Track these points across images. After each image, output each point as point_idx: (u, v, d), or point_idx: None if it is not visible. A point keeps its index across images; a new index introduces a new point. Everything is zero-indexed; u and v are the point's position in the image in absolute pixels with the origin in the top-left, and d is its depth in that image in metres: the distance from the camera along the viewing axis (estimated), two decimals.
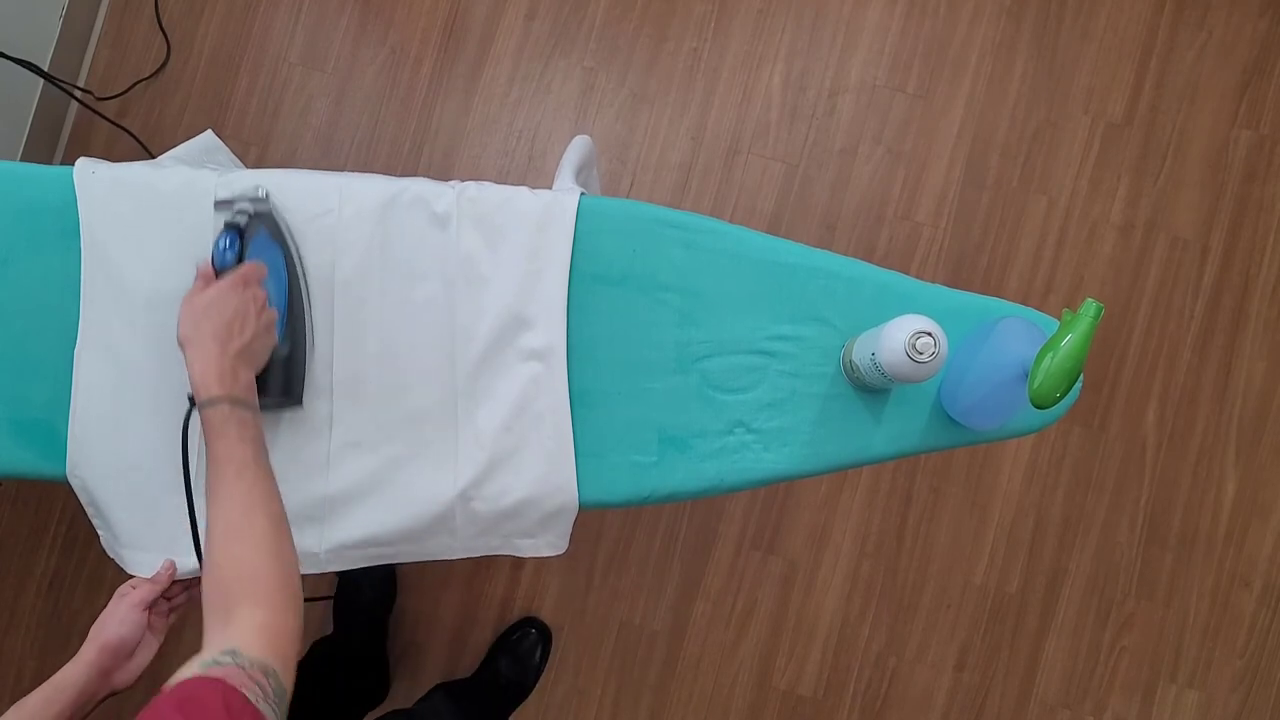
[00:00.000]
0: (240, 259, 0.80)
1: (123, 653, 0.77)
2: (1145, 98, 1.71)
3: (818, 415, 0.89)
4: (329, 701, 1.29)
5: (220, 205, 0.85)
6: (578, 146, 1.08)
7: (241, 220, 0.81)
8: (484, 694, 1.51)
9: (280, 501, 0.69)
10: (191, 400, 0.72)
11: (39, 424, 0.85)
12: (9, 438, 0.85)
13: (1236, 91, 1.71)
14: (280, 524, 0.67)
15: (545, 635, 1.59)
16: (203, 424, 0.69)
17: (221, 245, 0.79)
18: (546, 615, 1.62)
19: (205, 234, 0.85)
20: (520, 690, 1.56)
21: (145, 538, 0.86)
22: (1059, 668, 1.65)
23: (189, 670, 0.53)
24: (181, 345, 0.73)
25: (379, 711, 1.32)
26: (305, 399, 0.86)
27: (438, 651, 1.61)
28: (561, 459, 0.87)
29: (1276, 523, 1.66)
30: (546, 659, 1.59)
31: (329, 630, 1.56)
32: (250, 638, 0.57)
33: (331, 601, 1.57)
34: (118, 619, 0.77)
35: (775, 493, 1.65)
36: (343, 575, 1.57)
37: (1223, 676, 1.65)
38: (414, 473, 0.87)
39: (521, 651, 1.56)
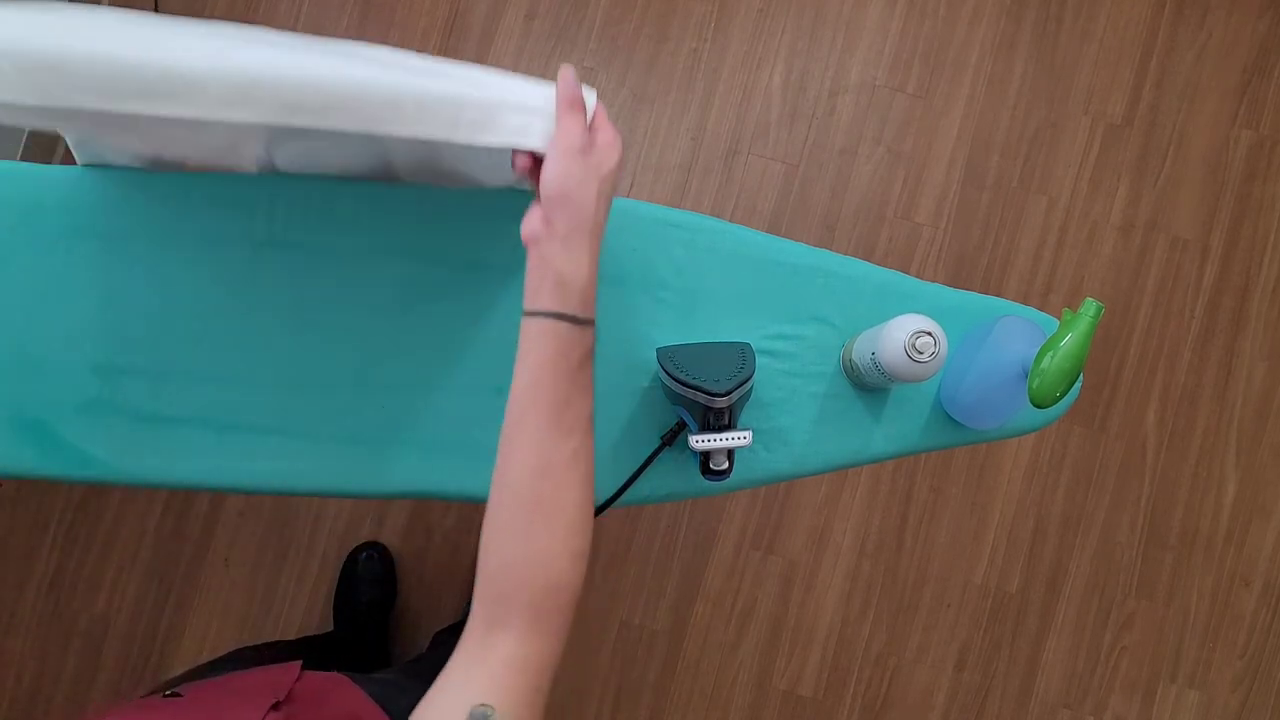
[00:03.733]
0: None
1: None
2: (1145, 98, 1.71)
3: (817, 414, 0.89)
4: None
5: None
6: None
7: None
8: None
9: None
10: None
11: (39, 423, 0.85)
12: (9, 437, 0.85)
13: (1236, 92, 1.71)
14: (591, 487, 0.55)
15: None
16: (545, 332, 0.54)
17: None
18: None
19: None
20: None
21: None
22: (1059, 667, 1.65)
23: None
24: (556, 201, 0.57)
25: None
26: None
27: None
28: None
29: (1277, 522, 1.66)
30: None
31: (329, 628, 1.56)
32: (510, 678, 0.50)
33: (332, 600, 1.57)
34: None
35: (775, 493, 1.65)
36: (343, 574, 1.57)
37: (1223, 676, 1.65)
38: None
39: None
